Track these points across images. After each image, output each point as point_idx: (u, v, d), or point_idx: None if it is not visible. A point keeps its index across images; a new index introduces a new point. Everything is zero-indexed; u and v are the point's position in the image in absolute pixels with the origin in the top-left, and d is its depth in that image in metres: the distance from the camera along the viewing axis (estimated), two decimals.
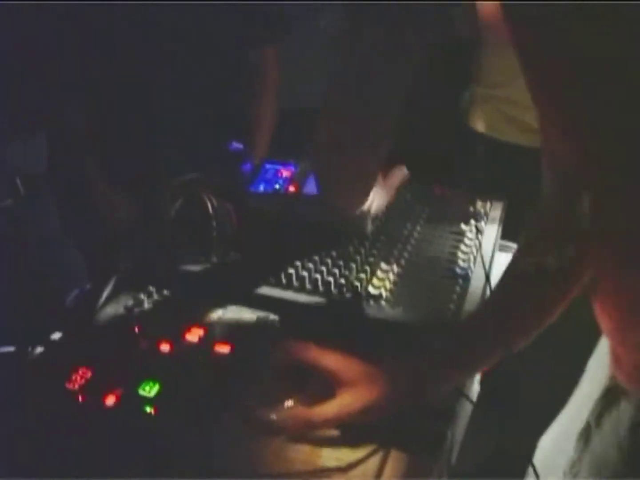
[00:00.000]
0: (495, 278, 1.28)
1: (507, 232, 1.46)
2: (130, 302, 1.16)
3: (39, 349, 1.16)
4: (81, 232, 1.49)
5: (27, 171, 1.39)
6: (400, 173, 1.37)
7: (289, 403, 0.97)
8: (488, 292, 1.23)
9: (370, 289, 1.16)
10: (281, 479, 0.90)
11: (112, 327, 1.12)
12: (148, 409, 0.96)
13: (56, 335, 1.17)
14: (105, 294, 1.16)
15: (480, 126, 1.93)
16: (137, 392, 0.99)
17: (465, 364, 1.02)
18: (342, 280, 1.17)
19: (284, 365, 1.00)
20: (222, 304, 1.16)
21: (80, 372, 1.02)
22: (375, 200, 1.28)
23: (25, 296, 1.29)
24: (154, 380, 1.00)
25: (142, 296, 1.17)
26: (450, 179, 1.60)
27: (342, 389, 0.95)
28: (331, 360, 0.97)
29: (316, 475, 0.91)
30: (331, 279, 1.17)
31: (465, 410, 1.09)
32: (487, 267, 1.28)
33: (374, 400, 0.95)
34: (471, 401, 1.08)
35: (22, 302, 1.28)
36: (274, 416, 0.94)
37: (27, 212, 1.37)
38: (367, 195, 1.20)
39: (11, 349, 1.16)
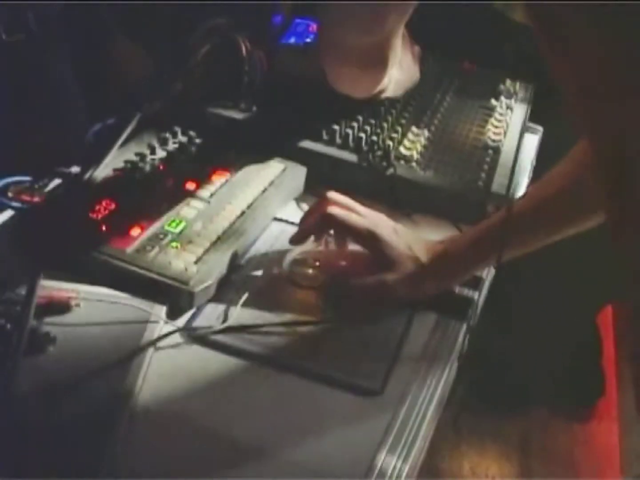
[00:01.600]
0: (523, 155, 1.26)
1: (534, 115, 1.43)
2: (154, 141, 1.12)
3: (57, 180, 1.13)
4: (95, 78, 1.43)
5: (42, 8, 1.32)
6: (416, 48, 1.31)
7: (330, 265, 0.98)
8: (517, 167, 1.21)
9: (402, 150, 1.13)
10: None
11: (135, 163, 1.08)
12: (174, 244, 0.94)
13: (75, 169, 1.14)
14: (128, 130, 1.12)
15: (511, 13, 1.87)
16: (163, 227, 0.96)
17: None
18: (374, 138, 1.14)
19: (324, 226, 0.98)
20: (248, 151, 1.12)
21: (104, 203, 0.99)
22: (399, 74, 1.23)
23: (38, 131, 1.24)
24: (180, 219, 0.98)
25: (167, 135, 1.13)
26: (479, 57, 1.55)
27: (386, 268, 0.94)
28: (377, 242, 0.94)
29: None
30: (363, 135, 1.13)
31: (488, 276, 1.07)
32: (516, 141, 1.25)
33: (413, 284, 0.94)
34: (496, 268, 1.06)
35: (35, 136, 1.23)
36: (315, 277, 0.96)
37: (41, 48, 1.30)
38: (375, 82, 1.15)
39: (27, 178, 1.12)
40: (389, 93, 1.20)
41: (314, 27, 1.36)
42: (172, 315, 0.89)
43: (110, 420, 0.76)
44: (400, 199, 1.07)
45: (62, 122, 1.26)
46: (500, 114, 1.31)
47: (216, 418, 0.78)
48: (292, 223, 1.03)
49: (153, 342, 0.85)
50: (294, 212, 1.07)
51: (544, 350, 1.98)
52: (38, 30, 1.23)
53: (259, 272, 0.96)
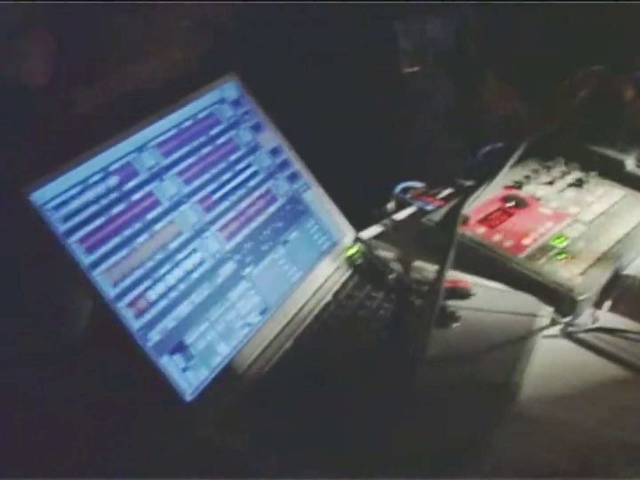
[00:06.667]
0: None
1: None
2: (538, 167, 1.29)
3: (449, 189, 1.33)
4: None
5: (439, 45, 1.54)
6: None
7: None
8: None
9: None
10: None
11: (521, 183, 1.25)
12: (560, 257, 1.09)
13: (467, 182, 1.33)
14: (516, 154, 1.30)
15: None
16: (549, 241, 1.13)
17: None
18: None
19: None
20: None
21: (497, 214, 1.17)
22: None
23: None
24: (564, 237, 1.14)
25: (550, 164, 1.29)
26: None
27: None
28: None
29: None
30: None
31: None
32: None
33: None
34: None
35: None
36: None
37: (431, 79, 1.52)
38: None
39: (420, 184, 1.33)
40: None
41: None
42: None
43: (496, 408, 0.88)
44: None
45: (443, 144, 1.47)
46: None
47: (584, 417, 0.90)
48: None
49: (538, 332, 1.01)
50: None
51: None
52: (431, 64, 1.46)
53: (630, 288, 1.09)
